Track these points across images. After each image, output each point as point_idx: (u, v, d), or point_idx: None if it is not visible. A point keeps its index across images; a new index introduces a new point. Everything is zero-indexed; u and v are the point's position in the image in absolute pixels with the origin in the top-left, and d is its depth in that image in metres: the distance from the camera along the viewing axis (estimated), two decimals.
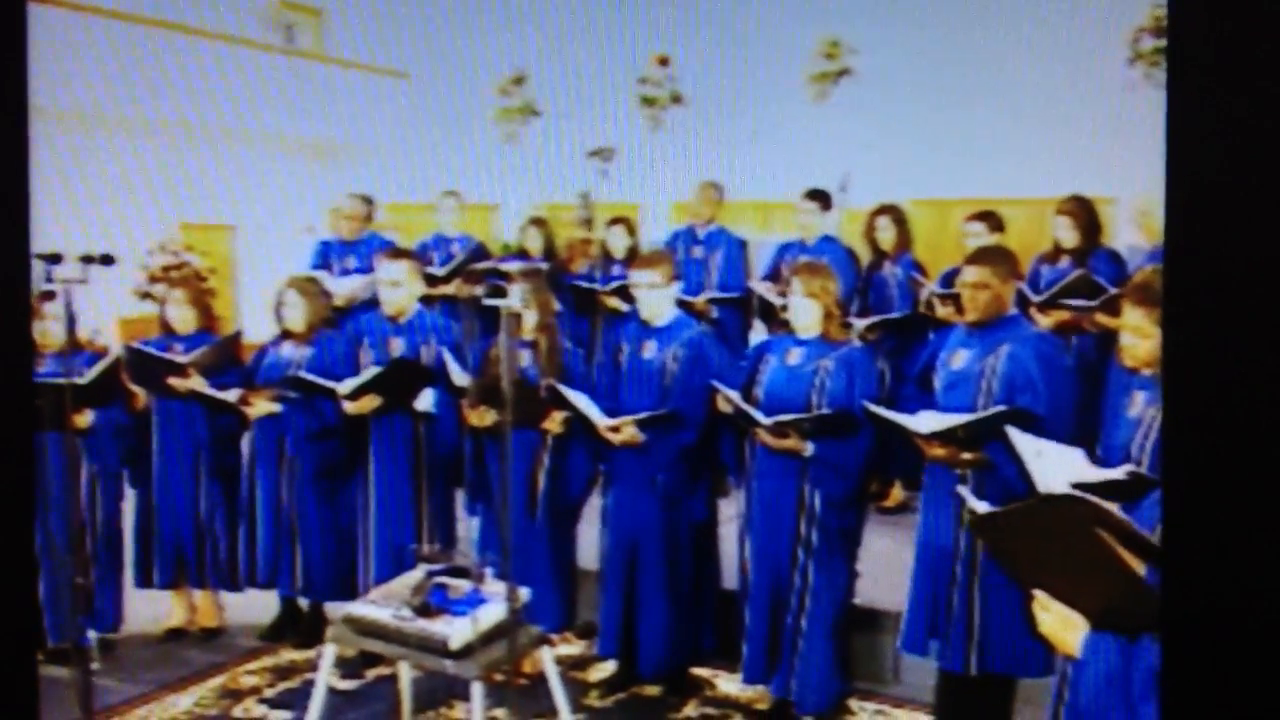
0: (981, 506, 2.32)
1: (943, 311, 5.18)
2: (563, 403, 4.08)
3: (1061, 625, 1.98)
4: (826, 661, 3.89)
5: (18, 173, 2.22)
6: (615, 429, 4.02)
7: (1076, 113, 7.34)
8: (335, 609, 4.46)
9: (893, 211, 5.84)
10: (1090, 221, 5.13)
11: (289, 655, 4.67)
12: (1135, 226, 5.25)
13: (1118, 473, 3.00)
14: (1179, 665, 1.75)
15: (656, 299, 4.17)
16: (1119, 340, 3.24)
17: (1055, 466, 3.09)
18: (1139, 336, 3.05)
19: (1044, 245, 5.30)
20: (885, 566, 4.09)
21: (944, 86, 7.81)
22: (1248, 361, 1.70)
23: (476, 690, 3.15)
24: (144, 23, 8.99)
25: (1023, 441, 3.21)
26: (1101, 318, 4.74)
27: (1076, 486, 2.88)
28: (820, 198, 5.95)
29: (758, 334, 5.99)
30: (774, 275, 6.00)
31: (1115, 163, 6.60)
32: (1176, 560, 1.78)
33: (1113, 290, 4.70)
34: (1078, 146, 7.13)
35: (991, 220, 5.29)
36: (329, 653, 3.44)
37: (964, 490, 2.64)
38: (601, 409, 4.07)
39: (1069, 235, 5.09)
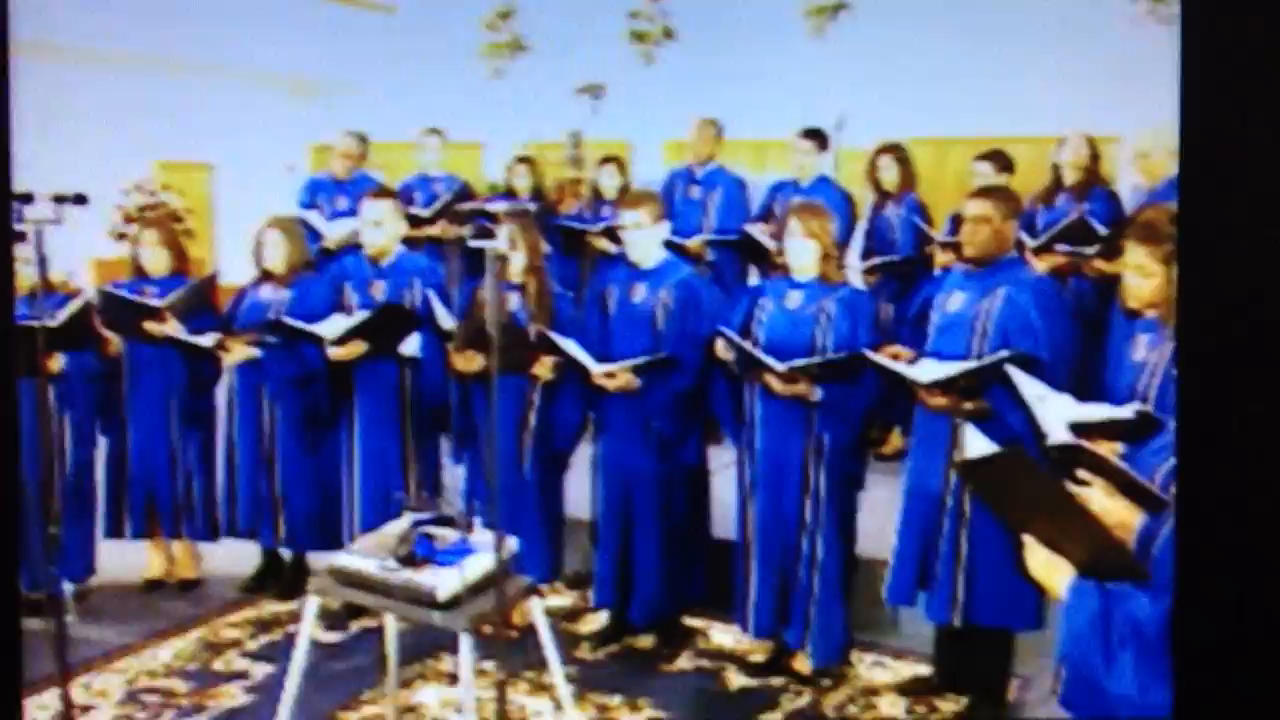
0: (980, 448, 2.27)
1: (943, 259, 5.06)
2: (553, 348, 3.95)
3: (1049, 568, 1.96)
4: (836, 611, 3.84)
5: None
6: (610, 375, 3.89)
7: (1080, 49, 7.18)
8: (318, 559, 4.38)
9: (895, 150, 5.73)
10: (1093, 155, 5.05)
11: (271, 607, 4.57)
12: (1134, 169, 5.14)
13: (1125, 411, 2.94)
14: (1191, 613, 1.73)
15: (643, 239, 4.05)
16: (1121, 281, 3.18)
17: (1056, 410, 3.02)
18: (1142, 275, 3.04)
19: (1045, 183, 5.19)
20: (885, 515, 3.99)
21: (943, 22, 7.64)
22: (1262, 303, 1.66)
23: (464, 643, 3.06)
24: None
25: (1026, 385, 3.13)
26: (1099, 263, 4.64)
27: (1078, 428, 2.83)
28: (816, 137, 5.83)
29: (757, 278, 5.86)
30: (765, 216, 5.87)
31: (1120, 100, 6.45)
32: (1190, 507, 1.75)
33: (1104, 232, 4.60)
34: (1081, 83, 6.98)
35: (999, 160, 5.22)
36: (312, 604, 3.35)
37: (970, 428, 2.57)
38: (592, 354, 3.95)
39: (1076, 162, 4.97)
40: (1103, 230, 4.63)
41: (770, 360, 3.65)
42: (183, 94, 9.22)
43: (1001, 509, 2.18)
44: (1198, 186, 1.68)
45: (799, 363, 3.64)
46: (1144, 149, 4.80)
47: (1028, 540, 2.00)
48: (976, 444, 2.37)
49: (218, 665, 4.09)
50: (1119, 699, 1.85)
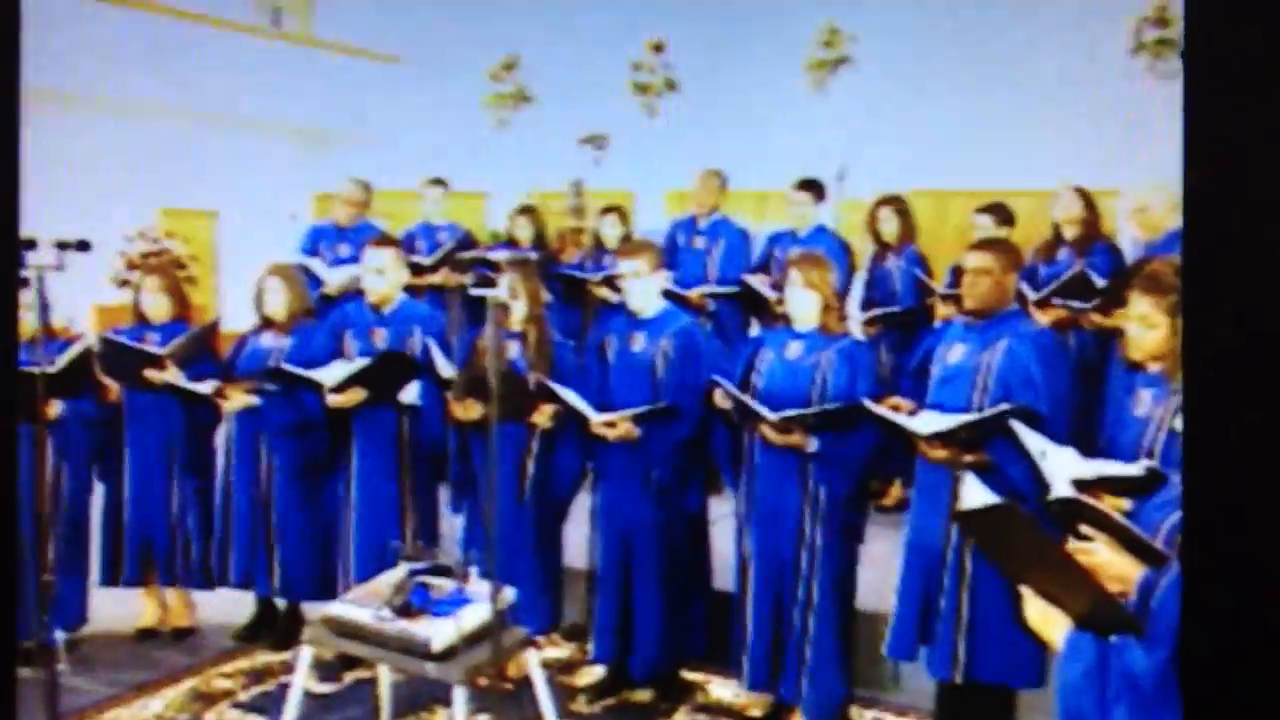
0: (976, 499, 2.26)
1: (943, 311, 5.06)
2: (552, 397, 3.94)
3: (1045, 620, 1.97)
4: (834, 667, 3.77)
5: (8, 157, 2.08)
6: (611, 424, 3.88)
7: (1080, 103, 7.25)
8: (313, 609, 4.33)
9: (895, 202, 5.74)
10: (1089, 208, 5.07)
11: (264, 657, 4.52)
12: (1132, 223, 5.15)
13: (1134, 468, 2.91)
14: (1197, 666, 1.69)
15: (641, 288, 4.06)
16: (1124, 334, 3.16)
17: (1060, 465, 3.00)
18: (1146, 327, 3.00)
19: (1045, 236, 5.20)
20: (886, 568, 3.95)
21: (944, 76, 7.73)
22: (1269, 353, 1.64)
23: (459, 695, 3.03)
24: (129, 4, 8.82)
25: (1029, 439, 3.11)
26: (1097, 317, 4.63)
27: (1080, 483, 2.81)
28: (812, 188, 5.83)
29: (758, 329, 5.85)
30: (764, 266, 5.87)
31: (1119, 154, 6.51)
32: (1196, 561, 1.72)
33: (1102, 283, 4.59)
34: (1081, 137, 7.04)
35: (1000, 213, 5.22)
36: (306, 655, 3.32)
37: (970, 478, 2.55)
38: (591, 403, 3.93)
39: (1069, 217, 4.99)
40: (1101, 283, 4.63)
41: (763, 410, 3.63)
42: (187, 142, 9.31)
43: (999, 560, 2.20)
44: (1202, 238, 1.68)
45: (791, 413, 3.63)
46: (1143, 203, 4.80)
47: (1025, 592, 2.01)
48: (973, 494, 2.37)
49: (209, 716, 4.03)
50: None
